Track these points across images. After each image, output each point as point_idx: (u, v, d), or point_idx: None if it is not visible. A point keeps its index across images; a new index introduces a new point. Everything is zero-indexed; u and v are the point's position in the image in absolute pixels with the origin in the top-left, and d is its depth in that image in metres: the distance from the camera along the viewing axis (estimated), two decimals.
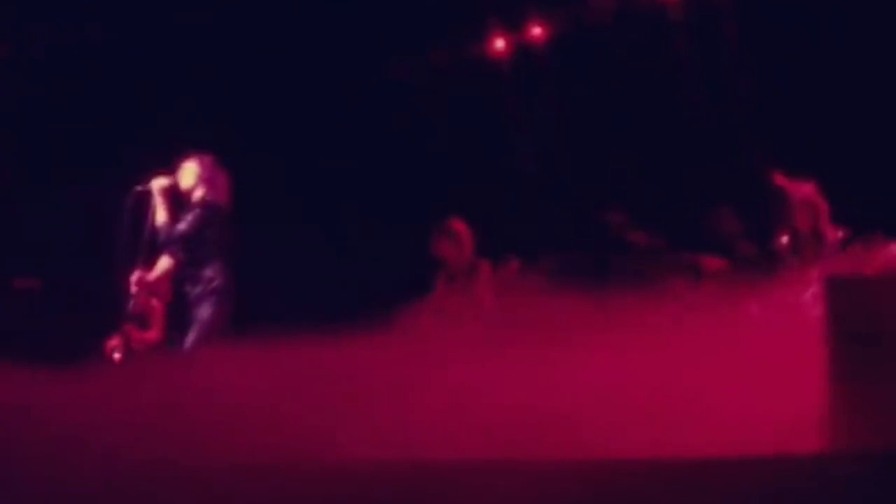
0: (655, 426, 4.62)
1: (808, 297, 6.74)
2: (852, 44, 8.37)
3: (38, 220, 9.34)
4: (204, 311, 7.27)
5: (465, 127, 10.04)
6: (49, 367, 6.13)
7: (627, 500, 3.70)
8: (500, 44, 10.15)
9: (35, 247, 9.31)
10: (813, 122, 8.24)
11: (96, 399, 5.75)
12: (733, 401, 4.72)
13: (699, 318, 5.67)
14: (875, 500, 3.51)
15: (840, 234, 7.27)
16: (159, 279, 7.49)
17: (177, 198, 7.49)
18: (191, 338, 7.28)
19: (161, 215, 7.41)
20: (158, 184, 7.45)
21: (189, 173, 7.48)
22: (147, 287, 7.47)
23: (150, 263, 7.46)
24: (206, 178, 7.45)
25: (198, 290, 7.33)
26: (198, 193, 7.45)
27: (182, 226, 7.37)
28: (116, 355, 7.52)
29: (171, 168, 7.54)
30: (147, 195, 7.47)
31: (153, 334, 7.68)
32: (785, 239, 7.54)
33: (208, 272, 7.31)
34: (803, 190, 7.41)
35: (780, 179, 7.56)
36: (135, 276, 7.41)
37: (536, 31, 10.04)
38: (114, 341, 7.59)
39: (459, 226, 8.07)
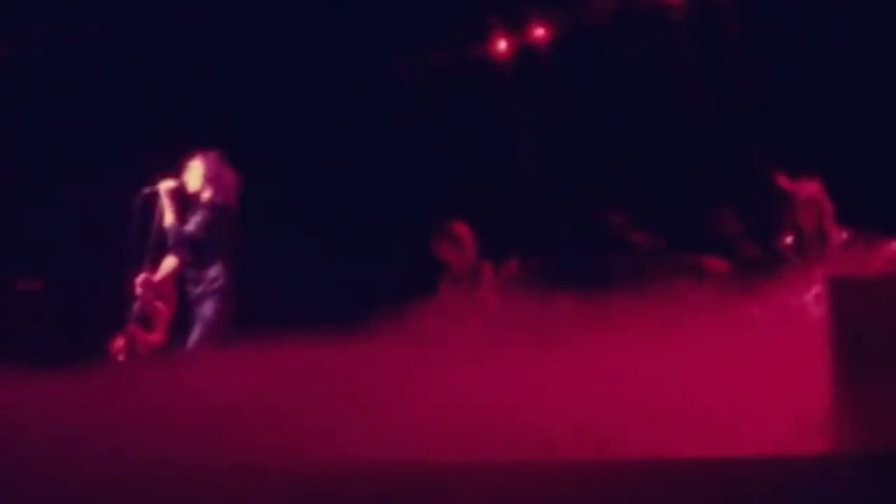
0: (659, 427, 4.62)
1: (811, 297, 6.74)
2: (854, 44, 8.36)
3: (41, 220, 9.34)
4: (206, 311, 7.28)
5: (466, 127, 10.03)
6: (51, 369, 6.12)
7: (628, 500, 3.69)
8: (501, 44, 10.15)
9: (37, 248, 9.31)
10: (814, 122, 8.23)
11: (97, 400, 5.75)
12: (736, 402, 4.72)
13: (701, 319, 5.65)
14: (878, 501, 3.51)
15: (844, 234, 7.25)
16: (165, 281, 7.50)
17: (184, 199, 7.49)
18: (193, 338, 7.28)
19: (169, 217, 7.42)
20: (166, 186, 7.44)
21: (195, 173, 7.48)
22: (153, 289, 7.47)
23: (156, 265, 7.47)
24: (212, 178, 7.45)
25: (199, 289, 7.33)
26: (205, 195, 7.45)
27: (190, 228, 7.37)
28: (120, 357, 7.52)
29: (177, 169, 7.53)
30: (154, 197, 7.46)
31: (157, 336, 7.68)
32: (789, 239, 7.52)
33: (211, 272, 7.31)
34: (809, 188, 7.39)
35: (783, 181, 7.55)
36: (141, 278, 7.42)
37: (538, 31, 10.03)
38: (118, 343, 7.59)
39: (461, 229, 8.07)
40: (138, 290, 7.45)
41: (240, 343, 6.49)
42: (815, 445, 4.16)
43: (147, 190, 7.46)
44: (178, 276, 7.49)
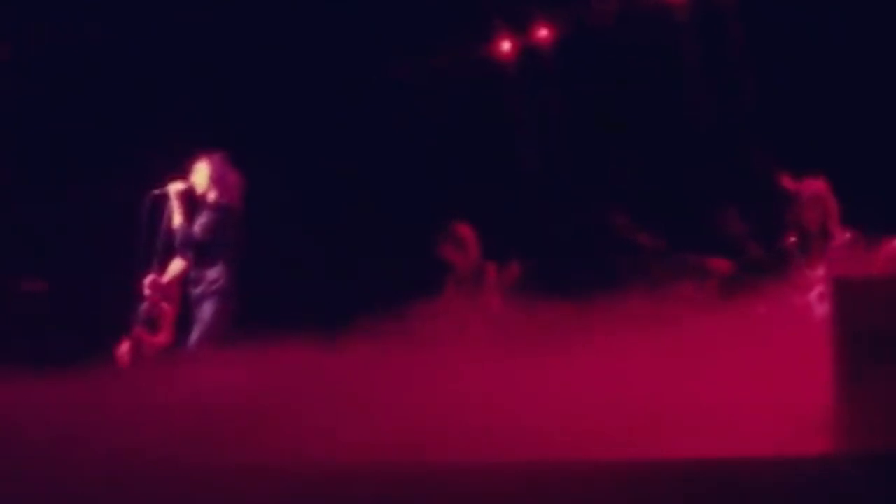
0: (663, 428, 4.61)
1: (814, 296, 6.73)
2: (857, 45, 8.35)
3: (45, 221, 9.35)
4: (206, 312, 7.28)
5: (469, 128, 10.01)
6: (54, 369, 6.12)
7: (628, 500, 3.67)
8: (504, 45, 10.13)
9: (42, 249, 9.32)
10: (818, 122, 8.21)
11: (97, 400, 5.75)
12: (739, 402, 4.71)
13: (705, 319, 5.65)
14: (882, 501, 3.49)
15: (848, 234, 7.23)
16: (172, 282, 7.54)
17: (192, 200, 7.50)
18: (193, 338, 7.28)
19: (177, 219, 7.43)
20: (175, 187, 7.45)
21: (201, 175, 7.50)
22: (160, 290, 7.48)
23: (163, 267, 7.49)
24: (217, 179, 7.46)
25: (200, 290, 7.34)
26: (211, 196, 7.47)
27: (196, 229, 7.39)
28: (126, 358, 7.52)
29: (184, 170, 7.54)
30: (163, 198, 7.47)
31: (163, 338, 7.67)
32: (793, 239, 7.50)
33: (213, 273, 7.32)
34: (813, 186, 7.37)
35: (787, 182, 7.53)
36: (149, 280, 7.45)
37: (541, 32, 10.02)
38: (124, 345, 7.59)
39: (465, 231, 8.08)
40: (146, 292, 7.47)
41: (240, 343, 6.48)
42: (818, 445, 4.15)
43: (156, 191, 7.47)
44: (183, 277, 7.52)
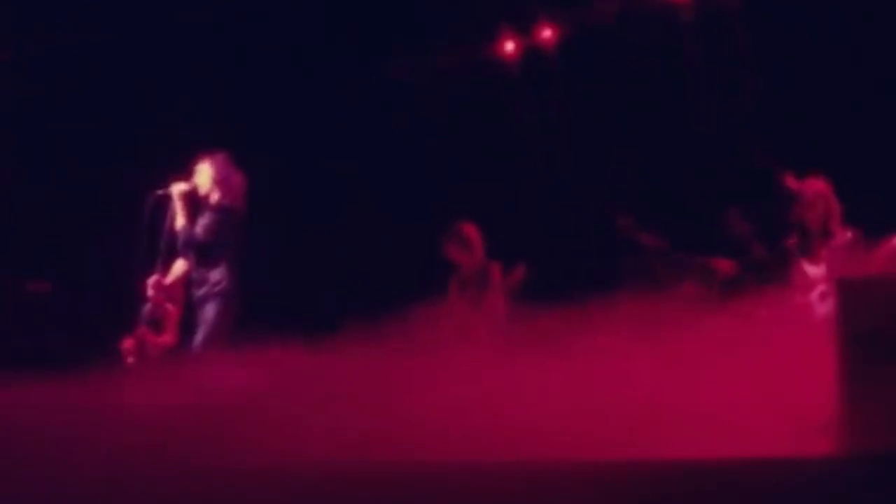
0: (666, 428, 4.61)
1: (815, 296, 6.72)
2: (858, 46, 8.34)
3: (48, 222, 9.35)
4: (209, 313, 7.27)
5: (473, 128, 10.01)
6: (58, 370, 6.13)
7: (629, 500, 3.67)
8: (508, 46, 10.13)
9: (46, 250, 9.32)
10: (819, 123, 8.20)
11: (98, 400, 5.75)
12: (740, 402, 4.70)
13: (708, 319, 5.64)
14: (883, 502, 3.48)
15: (849, 234, 7.22)
16: (175, 283, 7.55)
17: (195, 201, 7.50)
18: (196, 339, 7.28)
19: (180, 220, 7.42)
20: (178, 188, 7.45)
21: (204, 176, 7.49)
22: (164, 291, 7.49)
23: (167, 268, 7.50)
24: (220, 180, 7.46)
25: (203, 291, 7.33)
26: (213, 197, 7.46)
27: (199, 230, 7.39)
28: (131, 359, 7.53)
29: (187, 171, 7.53)
30: (166, 199, 7.47)
31: (167, 338, 7.67)
32: (795, 240, 7.48)
33: (215, 274, 7.32)
34: (815, 185, 7.36)
35: (791, 182, 7.52)
36: (152, 280, 7.46)
37: (544, 32, 10.01)
38: (128, 345, 7.60)
39: (470, 230, 8.08)
40: (150, 293, 7.49)
41: (243, 345, 6.48)
42: (819, 446, 4.14)
43: (159, 192, 7.47)
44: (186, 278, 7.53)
